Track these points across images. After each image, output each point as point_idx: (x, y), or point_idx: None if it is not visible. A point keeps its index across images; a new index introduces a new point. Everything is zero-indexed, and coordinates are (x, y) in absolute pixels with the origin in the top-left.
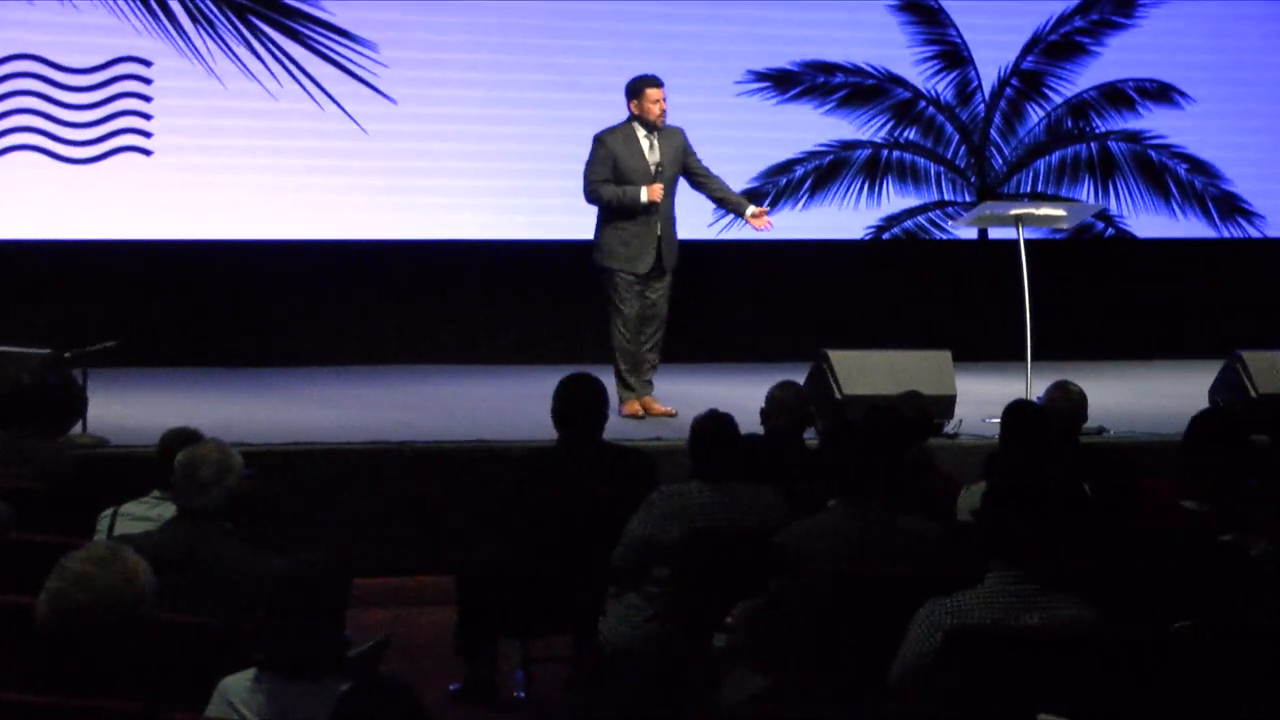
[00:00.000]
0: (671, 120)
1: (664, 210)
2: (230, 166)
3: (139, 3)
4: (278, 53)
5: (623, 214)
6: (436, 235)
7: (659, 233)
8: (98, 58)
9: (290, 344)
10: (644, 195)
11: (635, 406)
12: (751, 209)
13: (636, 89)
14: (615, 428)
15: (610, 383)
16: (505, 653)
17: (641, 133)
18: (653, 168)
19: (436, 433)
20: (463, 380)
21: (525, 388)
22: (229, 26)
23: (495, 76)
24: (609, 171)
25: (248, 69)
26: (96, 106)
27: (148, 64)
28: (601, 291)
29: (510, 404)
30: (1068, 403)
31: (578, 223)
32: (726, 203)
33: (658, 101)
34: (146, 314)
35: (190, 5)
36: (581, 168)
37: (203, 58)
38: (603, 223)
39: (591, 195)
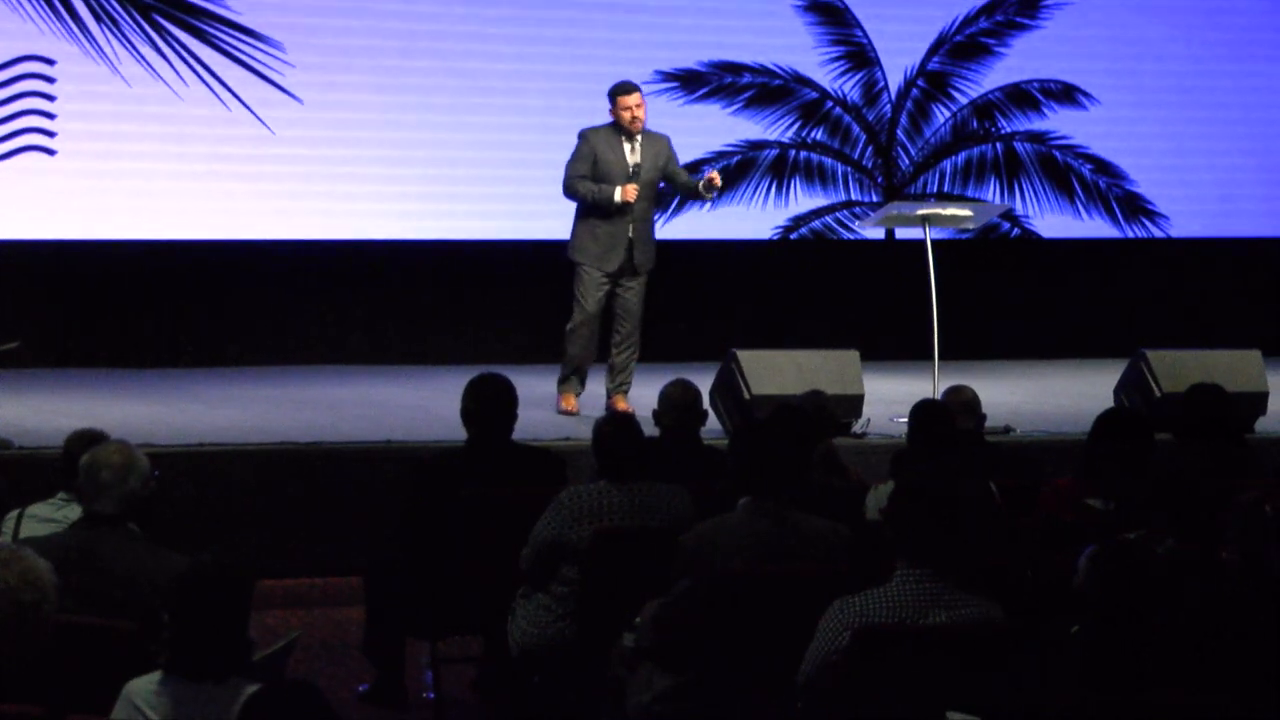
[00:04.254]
0: (581, 119)
1: (639, 212)
2: (135, 166)
3: (42, 2)
4: (183, 52)
5: (597, 211)
6: (344, 235)
7: (631, 234)
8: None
9: (197, 344)
10: (618, 195)
11: (571, 403)
12: (700, 182)
13: (612, 95)
14: (527, 428)
15: (603, 385)
16: (414, 654)
17: (623, 135)
18: (631, 168)
19: (345, 433)
20: (374, 381)
21: (439, 388)
22: (134, 25)
23: (399, 80)
24: (589, 168)
25: (153, 69)
26: None
27: (51, 63)
28: (568, 285)
29: (423, 404)
30: (959, 404)
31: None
32: (686, 188)
33: (628, 108)
34: (50, 315)
35: (94, 4)
36: (485, 170)
37: (107, 57)
38: (578, 218)
39: (569, 189)
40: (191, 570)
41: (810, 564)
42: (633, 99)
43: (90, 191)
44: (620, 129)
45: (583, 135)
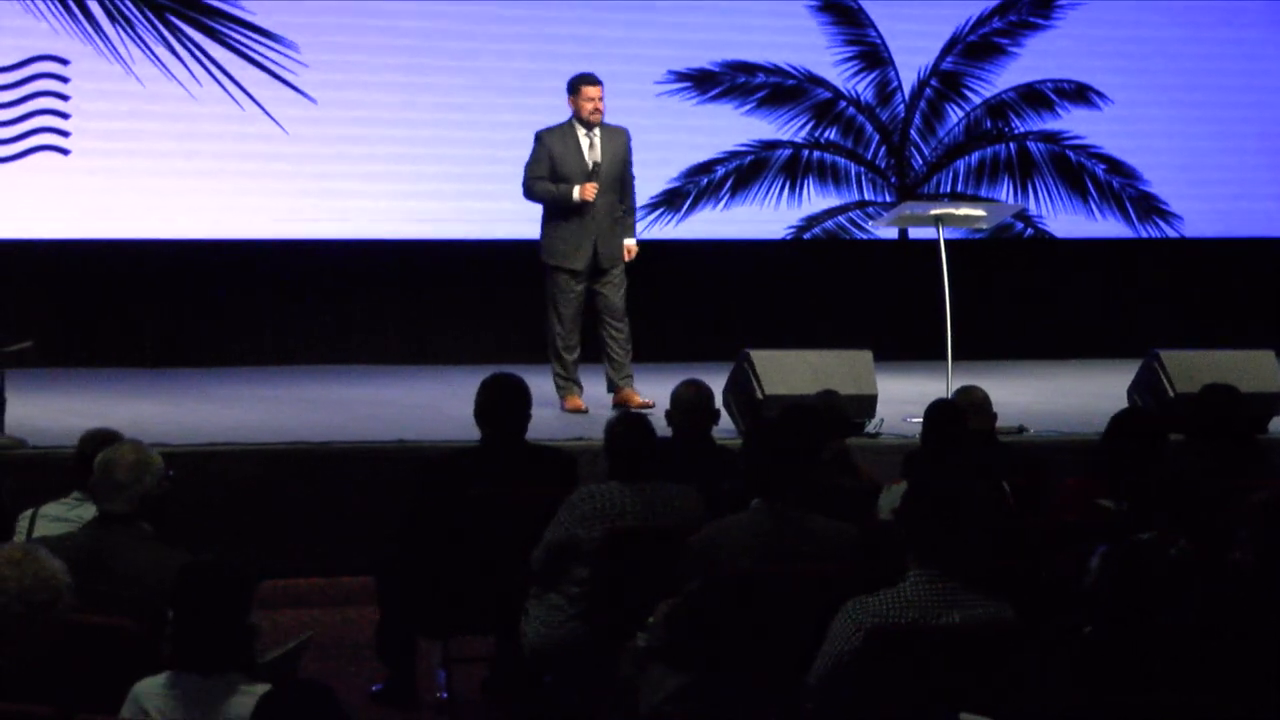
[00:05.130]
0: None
1: (602, 208)
2: (148, 166)
3: (57, 2)
4: (197, 52)
5: (560, 211)
6: (358, 235)
7: (595, 230)
8: (14, 56)
9: (211, 344)
10: (575, 194)
11: (577, 401)
12: (628, 243)
13: (574, 86)
14: (539, 428)
15: (603, 384)
16: (426, 653)
17: (581, 131)
18: (590, 165)
19: (359, 433)
20: (385, 380)
21: (451, 388)
22: (148, 25)
23: (414, 79)
24: (546, 169)
25: (167, 68)
26: (13, 105)
27: (65, 63)
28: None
29: (434, 404)
30: (970, 405)
31: (501, 224)
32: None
33: (591, 99)
34: (64, 314)
35: (109, 4)
36: (499, 167)
37: (121, 57)
38: (544, 220)
39: (528, 192)
40: (189, 566)
41: (821, 564)
42: (596, 90)
43: (103, 191)
44: (580, 121)
45: (538, 137)
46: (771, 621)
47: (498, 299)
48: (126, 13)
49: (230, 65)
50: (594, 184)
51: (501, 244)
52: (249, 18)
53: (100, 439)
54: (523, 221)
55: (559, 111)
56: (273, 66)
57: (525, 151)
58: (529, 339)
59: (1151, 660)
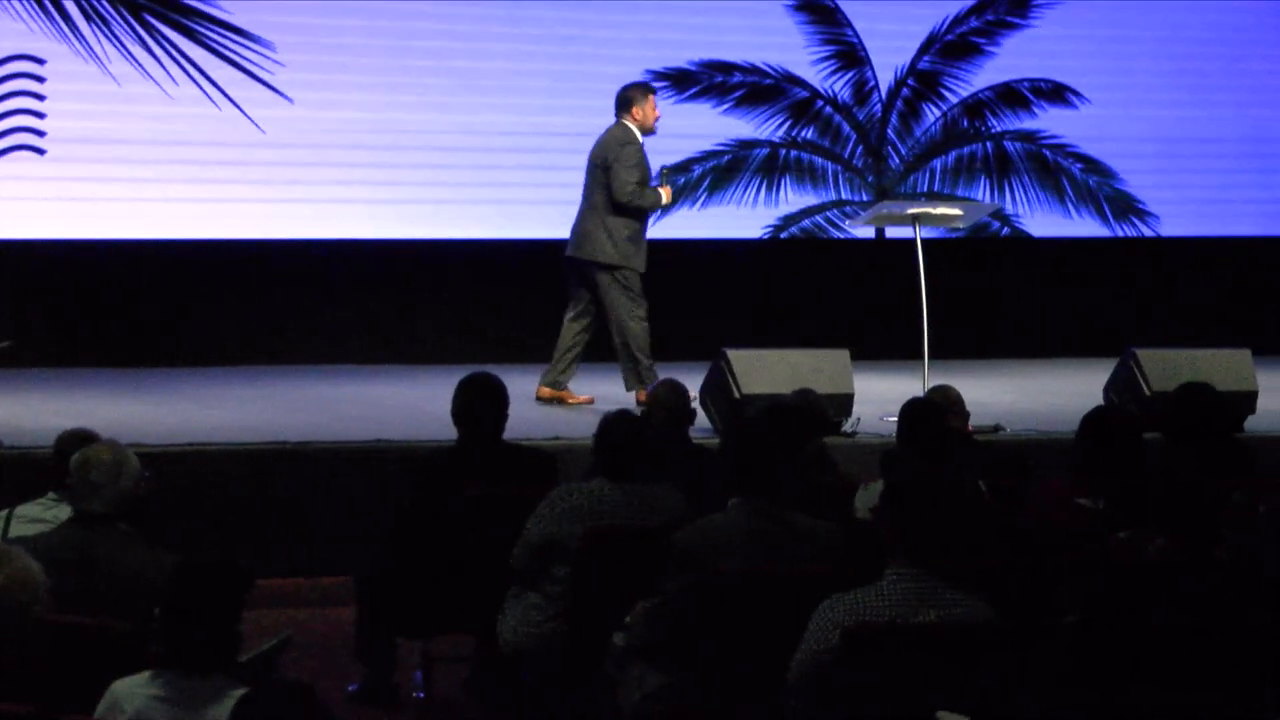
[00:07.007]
0: (573, 118)
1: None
2: (126, 166)
3: (32, 1)
4: (174, 52)
5: (638, 215)
6: (334, 235)
7: None
8: None
9: (189, 344)
10: (665, 198)
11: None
12: None
13: (643, 94)
14: (516, 427)
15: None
16: (405, 653)
17: (644, 136)
18: (656, 171)
19: (338, 433)
20: (367, 380)
21: (430, 388)
22: (124, 25)
23: (392, 79)
24: (646, 174)
25: (143, 68)
26: None
27: (41, 62)
28: (613, 289)
29: (416, 404)
30: (944, 404)
31: (479, 224)
32: None
33: (656, 109)
34: (42, 314)
35: (84, 4)
36: (479, 173)
37: (98, 57)
38: (623, 225)
39: (638, 197)
40: (188, 564)
41: (802, 563)
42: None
43: (80, 191)
44: (643, 130)
45: (638, 143)
46: (753, 621)
47: (477, 299)
48: (103, 12)
49: (207, 65)
50: (670, 187)
51: (480, 244)
52: (226, 17)
53: (77, 439)
54: (501, 221)
55: (540, 111)
56: (250, 66)
57: (507, 154)
58: (509, 339)
59: (1131, 659)
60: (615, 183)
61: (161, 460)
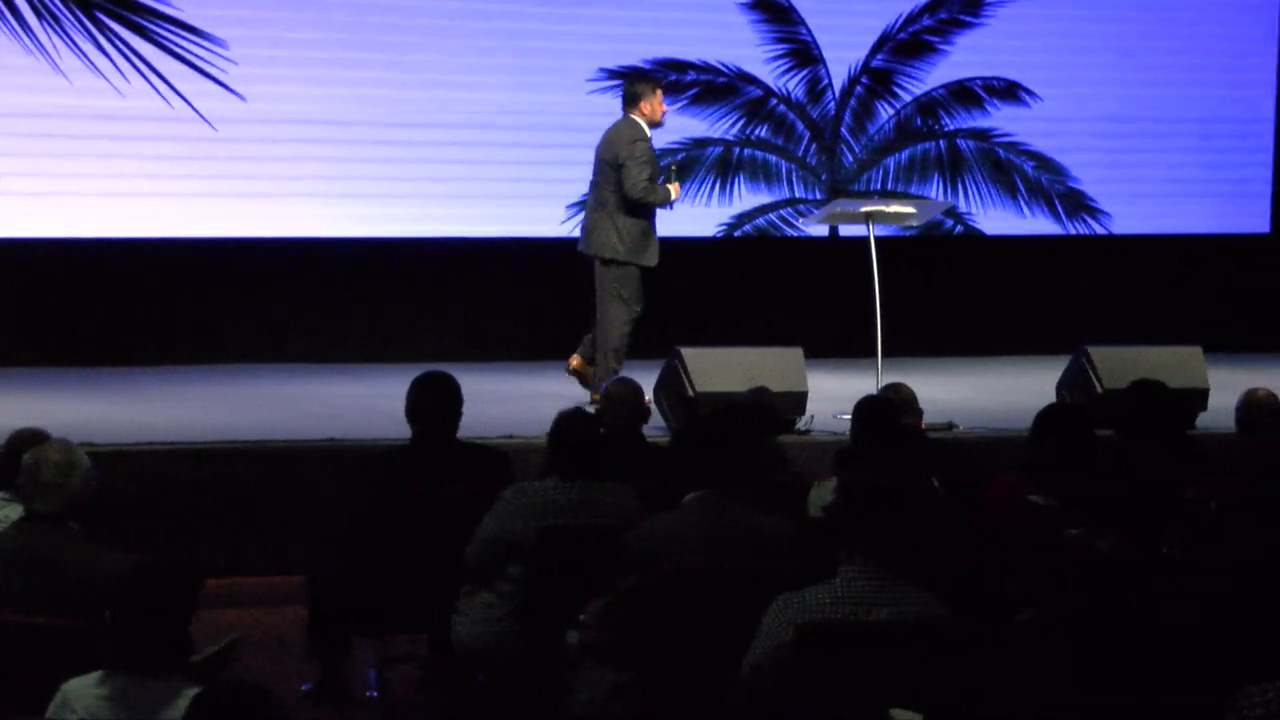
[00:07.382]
0: (528, 115)
1: None
2: (76, 164)
3: None
4: (125, 49)
5: (650, 212)
6: (287, 233)
7: None
8: None
9: (142, 342)
10: (674, 194)
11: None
12: None
13: (652, 89)
14: (471, 425)
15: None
16: (358, 653)
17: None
18: (663, 164)
19: (291, 431)
20: (324, 378)
21: (388, 386)
22: (75, 22)
23: (345, 74)
24: (657, 169)
25: (94, 65)
26: None
27: None
28: (608, 288)
29: (371, 402)
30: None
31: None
32: None
33: (663, 104)
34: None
35: (36, 2)
36: (429, 167)
37: (48, 53)
38: (631, 219)
39: (649, 193)
40: (140, 566)
41: (755, 561)
42: None
43: (32, 188)
44: (651, 123)
45: (647, 138)
46: (707, 619)
47: (431, 297)
48: (53, 9)
49: (159, 63)
50: (678, 182)
51: (433, 241)
52: (177, 14)
53: (28, 438)
54: (455, 219)
55: (492, 106)
56: (201, 64)
57: (458, 148)
58: (463, 337)
59: (1084, 657)
60: (628, 180)
61: (113, 459)
